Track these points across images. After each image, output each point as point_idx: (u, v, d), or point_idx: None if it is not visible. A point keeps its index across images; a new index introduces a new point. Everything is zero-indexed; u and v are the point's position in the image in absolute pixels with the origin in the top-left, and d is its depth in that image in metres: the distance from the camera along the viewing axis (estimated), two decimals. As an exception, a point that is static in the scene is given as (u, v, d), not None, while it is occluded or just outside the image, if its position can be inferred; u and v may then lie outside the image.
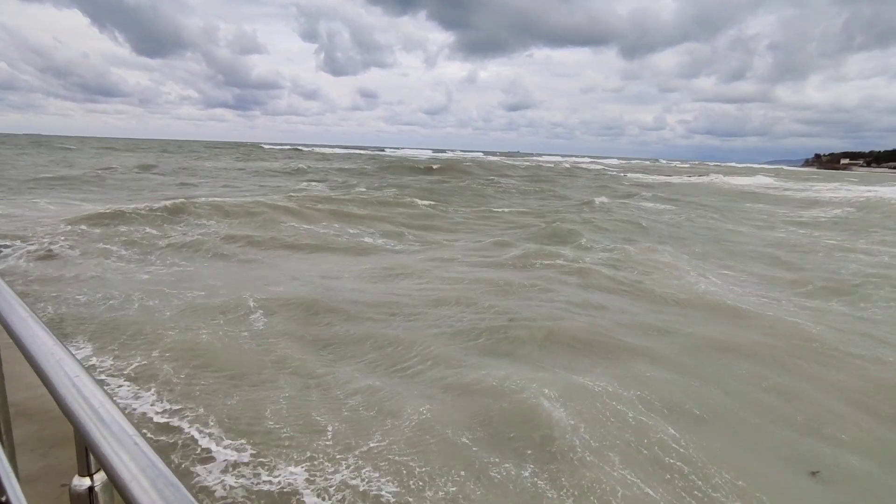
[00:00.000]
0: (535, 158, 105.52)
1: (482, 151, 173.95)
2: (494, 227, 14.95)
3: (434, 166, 43.51)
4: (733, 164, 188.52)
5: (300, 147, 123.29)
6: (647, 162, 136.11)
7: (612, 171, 54.36)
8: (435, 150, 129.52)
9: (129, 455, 0.71)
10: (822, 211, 22.88)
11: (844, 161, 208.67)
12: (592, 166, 72.58)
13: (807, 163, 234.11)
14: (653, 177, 50.50)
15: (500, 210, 18.78)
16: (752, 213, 21.56)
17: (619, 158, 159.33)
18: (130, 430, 0.76)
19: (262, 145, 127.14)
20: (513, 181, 34.66)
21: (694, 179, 48.92)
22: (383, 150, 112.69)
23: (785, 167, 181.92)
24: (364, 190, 23.96)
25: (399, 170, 40.61)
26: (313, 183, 27.51)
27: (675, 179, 46.96)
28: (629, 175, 52.19)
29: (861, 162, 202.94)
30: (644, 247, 11.77)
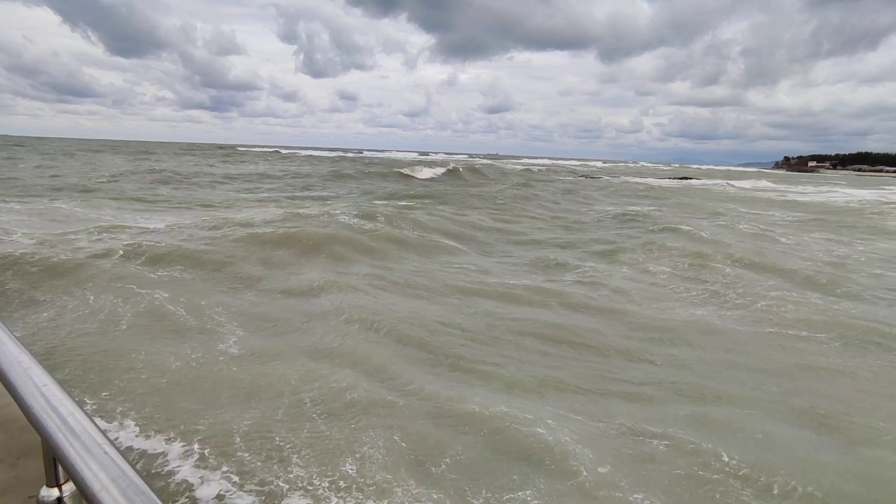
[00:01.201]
0: (524, 161, 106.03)
1: (467, 154, 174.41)
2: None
3: (435, 171, 41.47)
4: (711, 166, 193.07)
5: (280, 149, 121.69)
6: (632, 164, 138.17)
7: (606, 177, 52.63)
8: (420, 153, 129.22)
9: (98, 464, 0.70)
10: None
11: (812, 164, 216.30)
12: (581, 168, 72.93)
13: (777, 165, 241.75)
14: (660, 181, 48.64)
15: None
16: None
17: (603, 161, 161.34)
18: (100, 438, 0.75)
19: (239, 147, 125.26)
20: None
21: (711, 185, 44.96)
22: (361, 153, 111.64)
23: (755, 169, 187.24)
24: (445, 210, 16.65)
25: (403, 177, 36.00)
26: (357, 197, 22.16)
27: (683, 183, 45.78)
28: (642, 180, 48.54)
29: (827, 164, 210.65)
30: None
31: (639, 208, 20.46)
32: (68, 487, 0.86)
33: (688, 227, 13.79)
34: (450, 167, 41.50)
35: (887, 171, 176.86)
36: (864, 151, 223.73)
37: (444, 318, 6.57)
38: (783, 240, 13.98)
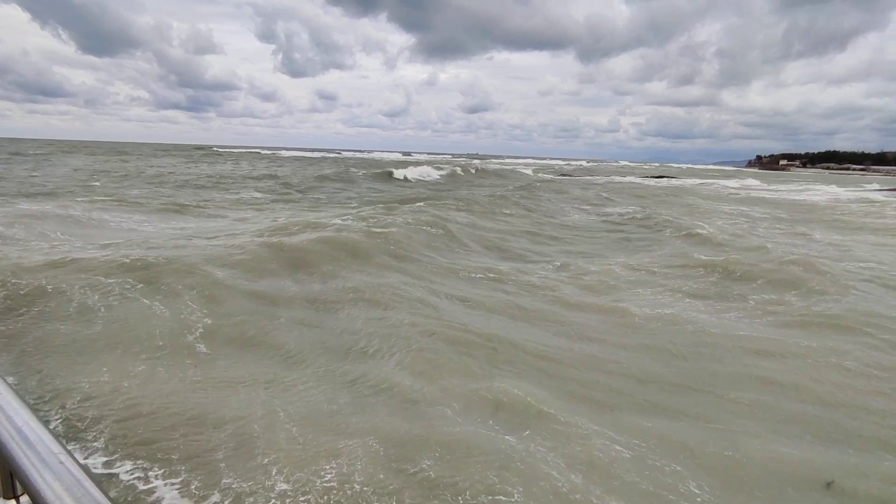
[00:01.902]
0: (508, 161, 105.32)
1: (450, 154, 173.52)
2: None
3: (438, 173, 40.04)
4: (688, 165, 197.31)
5: (259, 150, 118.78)
6: (613, 163, 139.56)
7: (602, 177, 51.83)
8: (404, 153, 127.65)
9: (53, 475, 0.69)
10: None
11: (783, 162, 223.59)
12: (567, 167, 72.92)
13: (750, 163, 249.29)
14: (657, 181, 48.12)
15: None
16: None
17: (587, 160, 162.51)
18: (56, 448, 0.74)
19: (216, 147, 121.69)
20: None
21: (710, 184, 44.80)
22: (340, 153, 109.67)
23: (733, 168, 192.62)
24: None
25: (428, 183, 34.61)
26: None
27: (683, 183, 45.08)
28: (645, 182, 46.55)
29: (797, 163, 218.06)
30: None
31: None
32: (25, 500, 0.82)
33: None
34: (453, 169, 40.71)
35: (853, 169, 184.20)
36: (831, 150, 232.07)
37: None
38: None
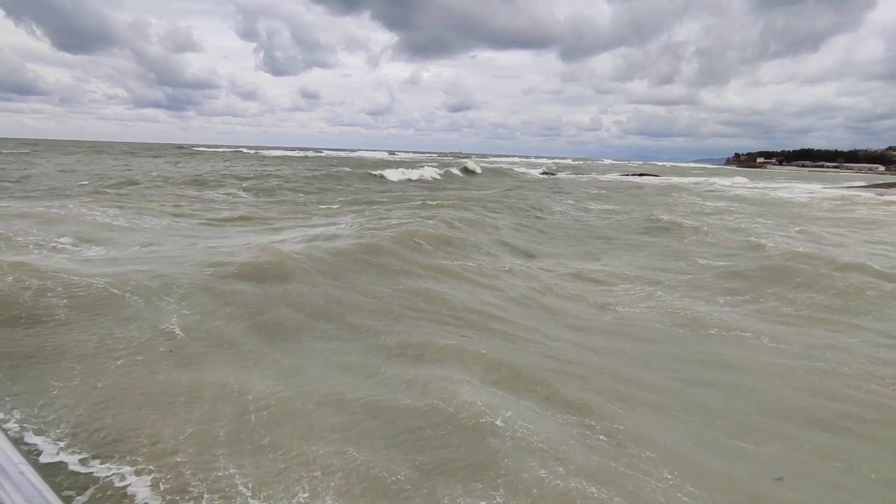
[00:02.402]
0: (499, 160, 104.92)
1: (436, 152, 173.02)
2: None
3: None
4: (672, 163, 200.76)
5: (242, 149, 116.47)
6: (598, 162, 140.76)
7: (600, 178, 51.85)
8: (390, 152, 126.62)
9: (13, 486, 0.68)
10: None
11: (760, 160, 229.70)
12: (554, 165, 73.04)
13: (728, 161, 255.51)
14: (657, 179, 48.84)
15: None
16: None
17: (572, 159, 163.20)
18: (16, 458, 0.74)
19: (197, 147, 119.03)
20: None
21: (706, 183, 45.06)
22: (321, 152, 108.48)
23: (709, 165, 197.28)
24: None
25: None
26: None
27: (683, 182, 45.33)
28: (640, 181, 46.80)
29: (774, 160, 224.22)
30: None
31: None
32: None
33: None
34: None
35: (827, 167, 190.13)
36: (806, 148, 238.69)
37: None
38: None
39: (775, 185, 45.87)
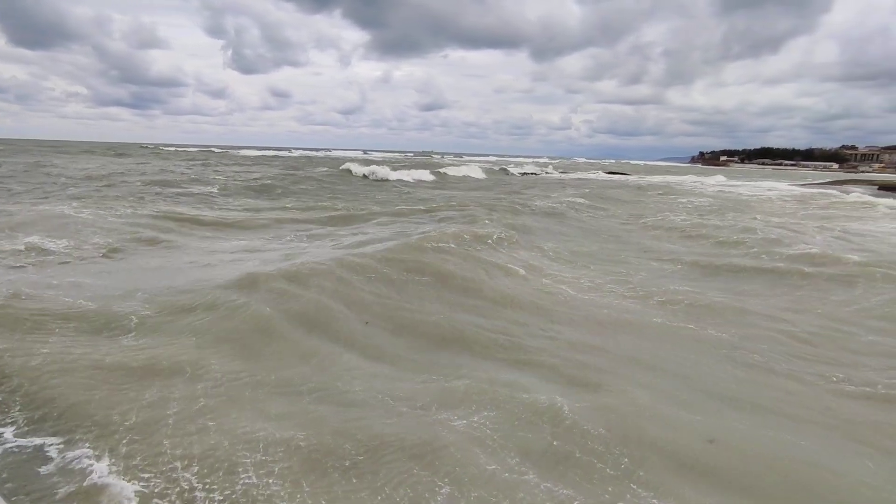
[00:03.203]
0: (477, 160, 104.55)
1: (412, 152, 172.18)
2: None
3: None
4: (644, 162, 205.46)
5: (213, 148, 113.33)
6: (571, 161, 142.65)
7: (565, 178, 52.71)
8: (365, 152, 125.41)
9: None
10: None
11: (723, 158, 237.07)
12: (534, 164, 73.26)
13: (693, 160, 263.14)
14: (647, 178, 49.89)
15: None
16: None
17: (548, 157, 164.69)
18: None
19: (164, 146, 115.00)
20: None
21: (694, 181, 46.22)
22: (291, 152, 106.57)
23: (676, 164, 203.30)
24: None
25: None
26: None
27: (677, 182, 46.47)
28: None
29: (736, 159, 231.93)
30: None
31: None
32: None
33: None
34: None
35: (786, 165, 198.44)
36: (766, 147, 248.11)
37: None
38: None
39: (753, 183, 47.91)
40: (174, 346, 4.95)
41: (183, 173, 30.00)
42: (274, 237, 11.79)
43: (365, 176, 34.25)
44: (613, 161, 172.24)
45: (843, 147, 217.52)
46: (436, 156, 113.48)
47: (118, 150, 70.59)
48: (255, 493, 3.04)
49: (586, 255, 11.20)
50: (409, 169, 39.14)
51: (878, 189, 45.63)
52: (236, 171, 33.49)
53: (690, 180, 48.39)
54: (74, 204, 14.35)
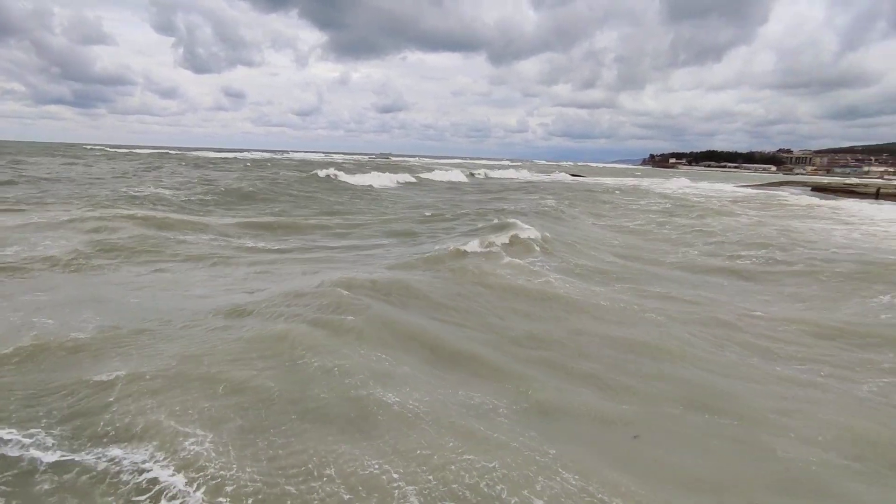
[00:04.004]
0: (440, 163, 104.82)
1: (372, 154, 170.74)
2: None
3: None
4: (601, 164, 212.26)
5: (168, 150, 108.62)
6: (530, 162, 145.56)
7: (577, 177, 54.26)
8: (325, 153, 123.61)
9: None
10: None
11: (672, 160, 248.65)
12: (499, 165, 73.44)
13: (644, 161, 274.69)
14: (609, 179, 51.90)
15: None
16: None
17: (510, 160, 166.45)
18: None
19: (111, 147, 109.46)
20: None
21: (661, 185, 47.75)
22: (242, 152, 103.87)
23: (629, 166, 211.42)
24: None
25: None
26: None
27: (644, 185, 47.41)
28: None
29: (684, 161, 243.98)
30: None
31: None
32: None
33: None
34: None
35: (729, 167, 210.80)
36: (711, 150, 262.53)
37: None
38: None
39: (712, 186, 51.08)
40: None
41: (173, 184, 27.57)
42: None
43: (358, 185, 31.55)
44: (571, 163, 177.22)
45: (780, 150, 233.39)
46: (394, 158, 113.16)
47: (63, 152, 66.84)
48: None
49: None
50: (382, 172, 38.68)
51: (812, 190, 50.03)
52: (210, 178, 31.28)
53: (655, 182, 51.55)
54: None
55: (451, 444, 3.74)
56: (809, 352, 6.11)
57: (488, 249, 10.32)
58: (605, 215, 20.84)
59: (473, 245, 10.34)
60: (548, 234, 12.46)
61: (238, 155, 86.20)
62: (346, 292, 6.67)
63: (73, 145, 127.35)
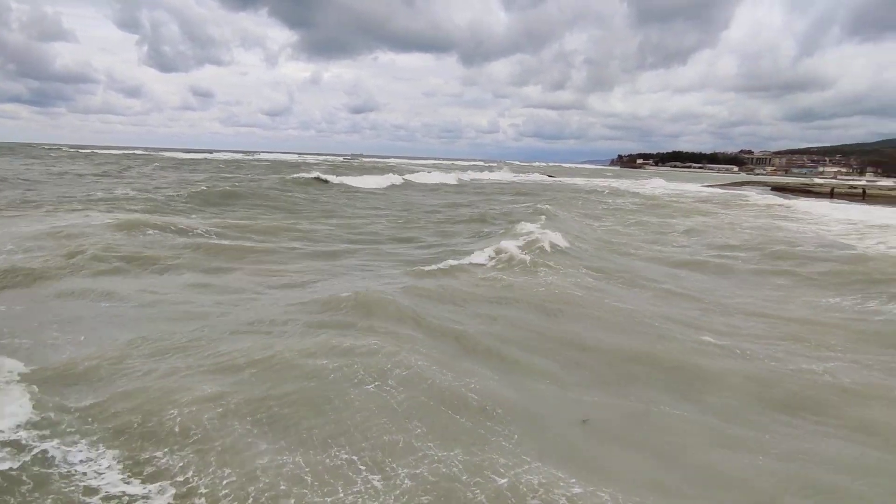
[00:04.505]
0: (415, 164, 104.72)
1: (347, 155, 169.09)
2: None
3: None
4: (575, 165, 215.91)
5: (136, 150, 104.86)
6: (498, 163, 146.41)
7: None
8: (299, 154, 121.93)
9: None
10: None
11: (640, 161, 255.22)
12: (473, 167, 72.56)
13: (612, 162, 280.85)
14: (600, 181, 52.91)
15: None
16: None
17: (484, 161, 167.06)
18: None
19: (71, 148, 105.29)
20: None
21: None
22: (212, 153, 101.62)
23: (598, 166, 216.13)
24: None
25: None
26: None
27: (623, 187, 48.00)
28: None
29: (651, 161, 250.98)
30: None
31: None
32: None
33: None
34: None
35: (694, 167, 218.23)
36: (677, 151, 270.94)
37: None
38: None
39: (685, 186, 52.99)
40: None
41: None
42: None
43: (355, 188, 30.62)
44: (544, 164, 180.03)
45: (742, 151, 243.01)
46: (365, 159, 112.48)
47: (24, 153, 63.96)
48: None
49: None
50: (369, 175, 37.76)
51: (771, 190, 52.69)
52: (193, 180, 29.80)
53: (634, 183, 53.17)
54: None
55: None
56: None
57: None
58: (604, 217, 21.65)
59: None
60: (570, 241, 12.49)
61: (208, 156, 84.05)
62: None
63: (29, 145, 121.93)
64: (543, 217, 16.04)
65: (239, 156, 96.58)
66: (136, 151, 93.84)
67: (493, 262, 9.88)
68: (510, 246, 10.66)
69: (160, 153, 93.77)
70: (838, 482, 3.73)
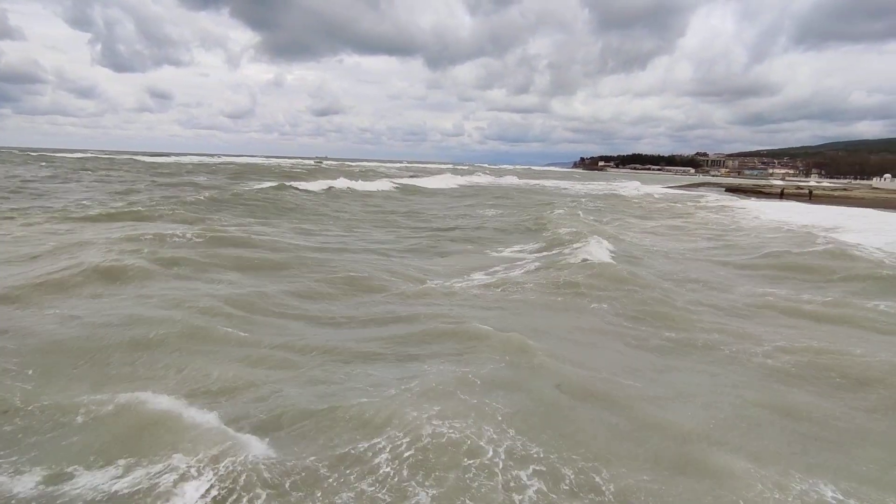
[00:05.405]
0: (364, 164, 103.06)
1: (313, 158, 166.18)
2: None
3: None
4: (543, 167, 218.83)
5: (88, 153, 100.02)
6: (466, 166, 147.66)
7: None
8: (267, 157, 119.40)
9: None
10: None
11: (601, 163, 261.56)
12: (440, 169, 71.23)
13: (575, 164, 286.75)
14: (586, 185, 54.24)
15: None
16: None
17: (452, 164, 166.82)
18: None
19: (17, 150, 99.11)
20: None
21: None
22: (169, 156, 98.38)
23: (562, 168, 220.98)
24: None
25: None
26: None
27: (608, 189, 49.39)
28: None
29: (612, 164, 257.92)
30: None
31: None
32: None
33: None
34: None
35: (653, 169, 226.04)
36: (637, 153, 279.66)
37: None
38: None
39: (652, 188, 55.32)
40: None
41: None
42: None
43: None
44: (512, 167, 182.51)
45: (698, 154, 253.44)
46: (329, 162, 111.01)
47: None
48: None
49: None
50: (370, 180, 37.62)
51: (725, 190, 55.80)
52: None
53: (610, 185, 55.15)
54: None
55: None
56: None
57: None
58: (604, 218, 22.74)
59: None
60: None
61: (167, 159, 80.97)
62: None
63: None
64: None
65: (206, 159, 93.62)
66: (90, 154, 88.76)
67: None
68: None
69: (120, 155, 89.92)
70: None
